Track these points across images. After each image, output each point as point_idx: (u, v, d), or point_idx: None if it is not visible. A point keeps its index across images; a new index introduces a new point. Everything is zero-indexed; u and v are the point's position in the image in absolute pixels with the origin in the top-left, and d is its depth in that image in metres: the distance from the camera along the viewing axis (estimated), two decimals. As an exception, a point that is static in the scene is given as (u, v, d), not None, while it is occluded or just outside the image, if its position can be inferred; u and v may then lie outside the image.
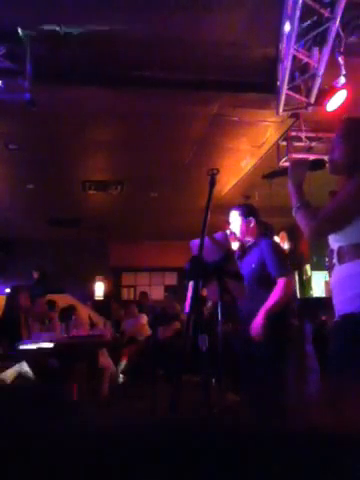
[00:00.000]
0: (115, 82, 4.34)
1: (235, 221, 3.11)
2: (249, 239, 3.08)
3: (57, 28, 3.77)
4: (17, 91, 3.99)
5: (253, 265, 2.93)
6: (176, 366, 2.32)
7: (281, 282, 2.81)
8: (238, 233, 3.09)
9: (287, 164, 5.57)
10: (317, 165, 2.15)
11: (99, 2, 3.58)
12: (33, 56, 3.89)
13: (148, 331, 6.60)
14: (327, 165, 2.11)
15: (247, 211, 3.10)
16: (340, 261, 1.94)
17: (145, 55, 4.10)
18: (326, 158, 2.11)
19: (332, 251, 1.99)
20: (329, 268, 2.04)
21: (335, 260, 1.96)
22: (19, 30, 3.76)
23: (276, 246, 3.04)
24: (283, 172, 2.16)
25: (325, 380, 2.78)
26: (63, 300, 6.44)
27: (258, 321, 2.75)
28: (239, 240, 3.14)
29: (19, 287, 4.89)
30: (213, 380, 2.74)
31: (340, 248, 1.94)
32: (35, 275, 8.64)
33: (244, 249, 3.10)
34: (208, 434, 1.20)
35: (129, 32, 3.87)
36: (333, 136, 2.13)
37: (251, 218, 3.06)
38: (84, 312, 6.60)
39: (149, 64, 4.21)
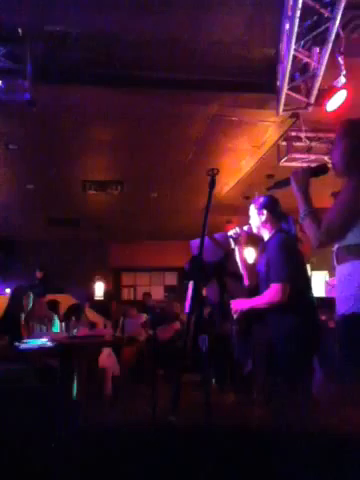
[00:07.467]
0: (115, 82, 4.34)
1: (252, 215, 2.84)
2: (265, 235, 2.77)
3: (57, 28, 3.78)
4: (17, 91, 3.99)
5: (263, 269, 2.63)
6: (176, 366, 2.32)
7: (273, 287, 2.50)
8: (254, 228, 2.82)
9: (287, 164, 5.58)
10: (319, 171, 2.15)
11: (99, 2, 3.58)
12: (33, 56, 3.89)
13: (148, 331, 6.60)
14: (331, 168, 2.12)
15: (261, 204, 2.79)
16: (338, 261, 1.97)
17: (145, 55, 4.10)
18: (329, 161, 2.12)
19: (333, 251, 2.01)
20: (333, 267, 2.07)
21: (334, 261, 1.99)
22: (19, 30, 3.77)
23: (283, 245, 2.58)
24: (286, 182, 2.16)
25: (327, 379, 2.76)
26: (63, 300, 6.44)
27: (239, 306, 2.63)
28: (256, 235, 2.85)
29: (24, 288, 4.89)
30: (213, 380, 2.73)
31: (338, 249, 1.97)
32: (38, 274, 8.65)
33: (263, 247, 2.78)
34: (208, 435, 1.21)
35: (129, 32, 3.87)
36: (334, 137, 2.14)
37: (264, 211, 2.74)
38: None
39: (149, 64, 4.21)
